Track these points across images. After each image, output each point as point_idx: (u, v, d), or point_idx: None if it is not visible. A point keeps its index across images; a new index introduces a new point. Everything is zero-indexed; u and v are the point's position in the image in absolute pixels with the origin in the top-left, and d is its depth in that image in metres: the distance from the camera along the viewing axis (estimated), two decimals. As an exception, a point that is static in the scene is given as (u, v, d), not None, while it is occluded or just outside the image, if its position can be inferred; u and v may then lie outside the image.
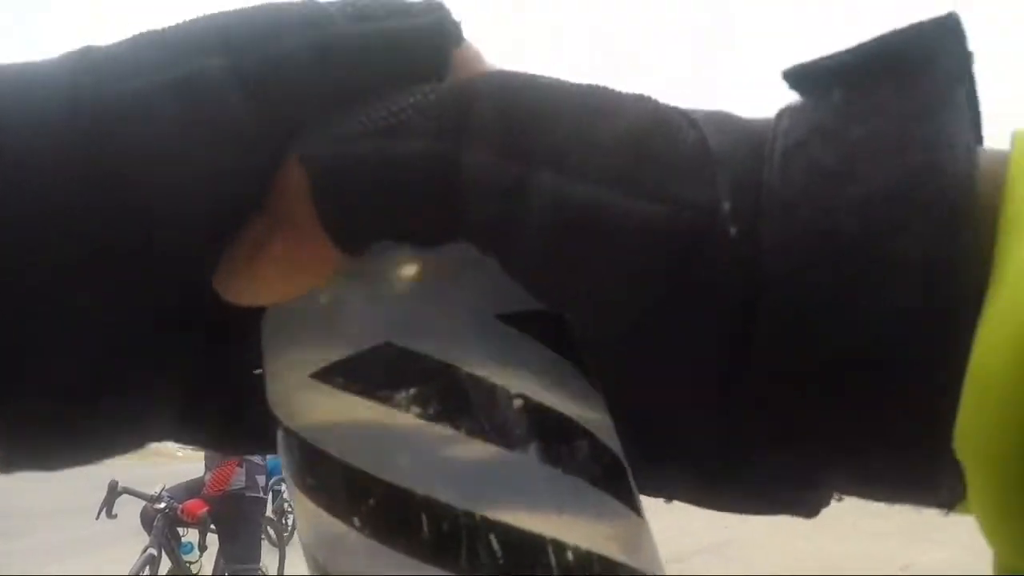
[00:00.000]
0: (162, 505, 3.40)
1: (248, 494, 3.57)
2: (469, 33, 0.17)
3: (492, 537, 0.15)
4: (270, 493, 4.12)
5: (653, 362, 0.16)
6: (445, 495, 0.15)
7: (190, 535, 3.61)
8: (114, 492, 3.58)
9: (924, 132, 0.14)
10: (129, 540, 3.71)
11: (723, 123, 0.15)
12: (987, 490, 0.12)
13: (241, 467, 3.52)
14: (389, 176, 0.15)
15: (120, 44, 0.16)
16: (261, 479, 3.68)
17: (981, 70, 0.15)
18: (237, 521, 3.55)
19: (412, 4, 0.17)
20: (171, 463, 13.20)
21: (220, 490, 3.44)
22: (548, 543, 0.15)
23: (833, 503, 0.18)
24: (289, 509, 7.16)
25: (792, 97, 0.15)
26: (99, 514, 3.52)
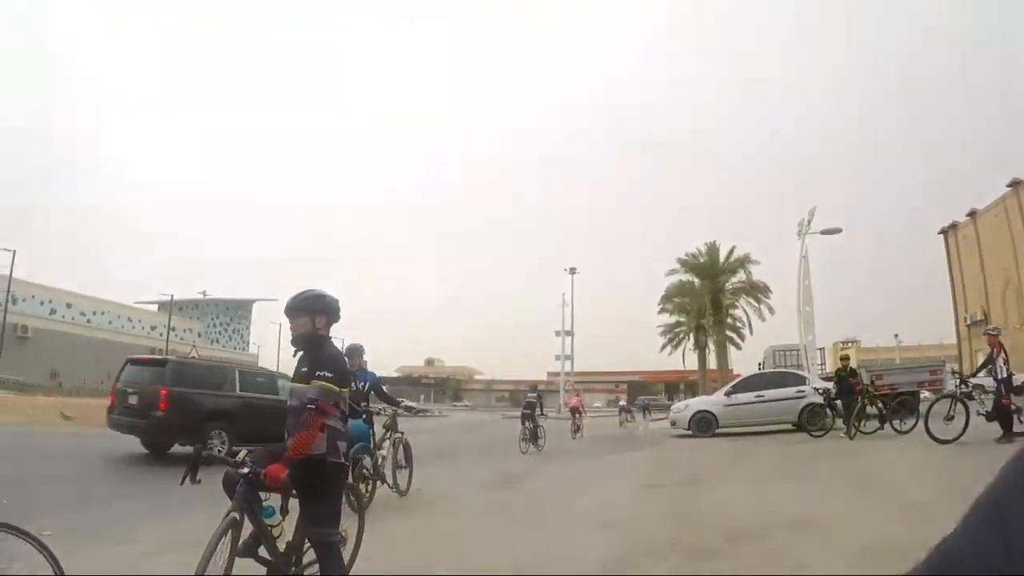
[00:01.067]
0: (245, 470, 3.46)
1: (330, 459, 3.61)
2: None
3: None
4: (351, 460, 4.11)
5: None
6: None
7: (272, 499, 3.66)
8: (199, 457, 3.65)
9: None
10: (211, 505, 3.83)
11: None
12: None
13: (323, 432, 3.55)
14: None
15: None
16: (342, 445, 3.69)
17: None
18: (318, 486, 3.60)
19: None
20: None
21: (302, 455, 3.46)
22: None
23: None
24: (369, 475, 7.27)
25: None
26: (184, 480, 3.59)
